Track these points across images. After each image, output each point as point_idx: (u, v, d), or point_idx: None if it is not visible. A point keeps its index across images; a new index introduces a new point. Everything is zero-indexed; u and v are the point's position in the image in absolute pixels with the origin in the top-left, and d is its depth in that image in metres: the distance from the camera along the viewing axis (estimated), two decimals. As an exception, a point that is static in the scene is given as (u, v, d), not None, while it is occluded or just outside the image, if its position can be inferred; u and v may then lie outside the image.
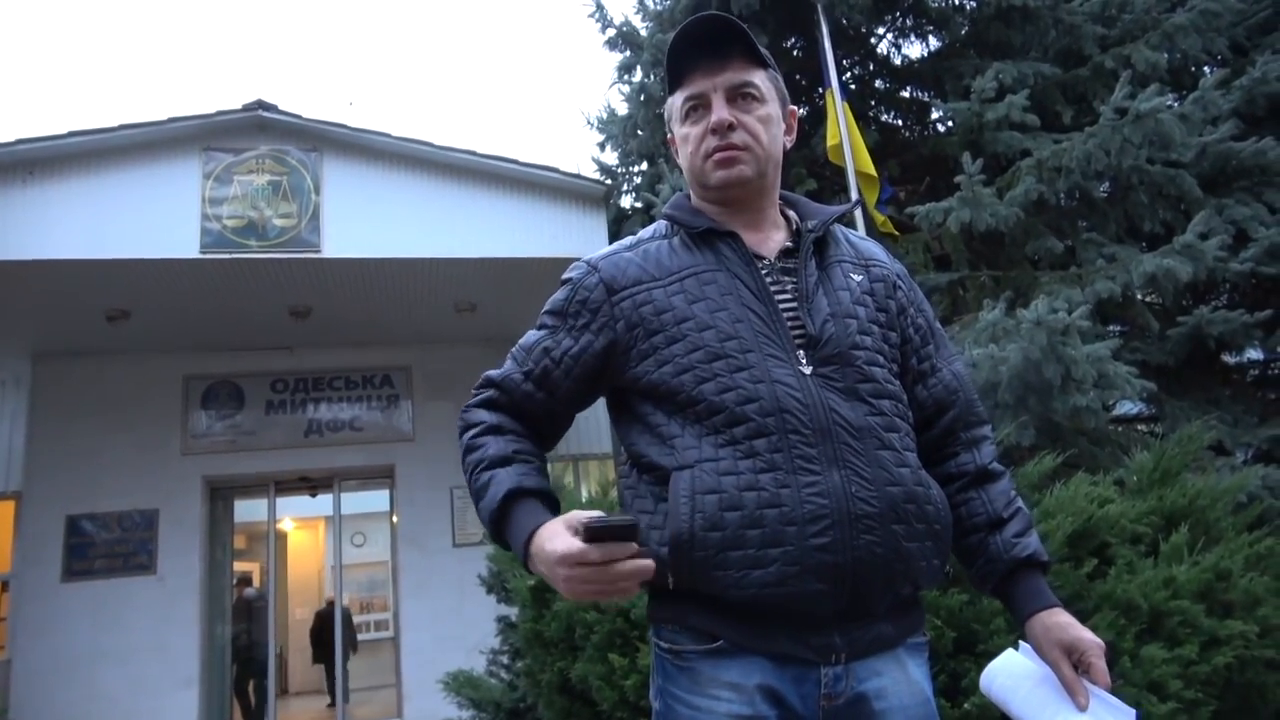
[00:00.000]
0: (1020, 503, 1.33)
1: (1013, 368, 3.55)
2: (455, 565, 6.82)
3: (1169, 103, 4.68)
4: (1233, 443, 4.31)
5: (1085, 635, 1.19)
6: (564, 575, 1.04)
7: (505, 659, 3.95)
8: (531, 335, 1.35)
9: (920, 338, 1.37)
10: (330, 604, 7.68)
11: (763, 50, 1.31)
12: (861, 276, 1.34)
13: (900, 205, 5.33)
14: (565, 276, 1.37)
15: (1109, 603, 2.47)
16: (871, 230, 4.83)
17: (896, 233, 5.00)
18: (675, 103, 1.35)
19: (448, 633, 6.41)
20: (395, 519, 7.57)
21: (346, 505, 11.69)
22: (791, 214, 1.39)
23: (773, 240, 1.33)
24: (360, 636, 12.87)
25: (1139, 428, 5.21)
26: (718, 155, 1.29)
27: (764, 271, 1.28)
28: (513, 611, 3.58)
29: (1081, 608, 2.50)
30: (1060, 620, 1.21)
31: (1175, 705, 2.30)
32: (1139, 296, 4.73)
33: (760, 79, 1.31)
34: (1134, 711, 1.15)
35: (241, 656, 8.67)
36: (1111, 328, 4.89)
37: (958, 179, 4.43)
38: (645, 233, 1.38)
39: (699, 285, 1.26)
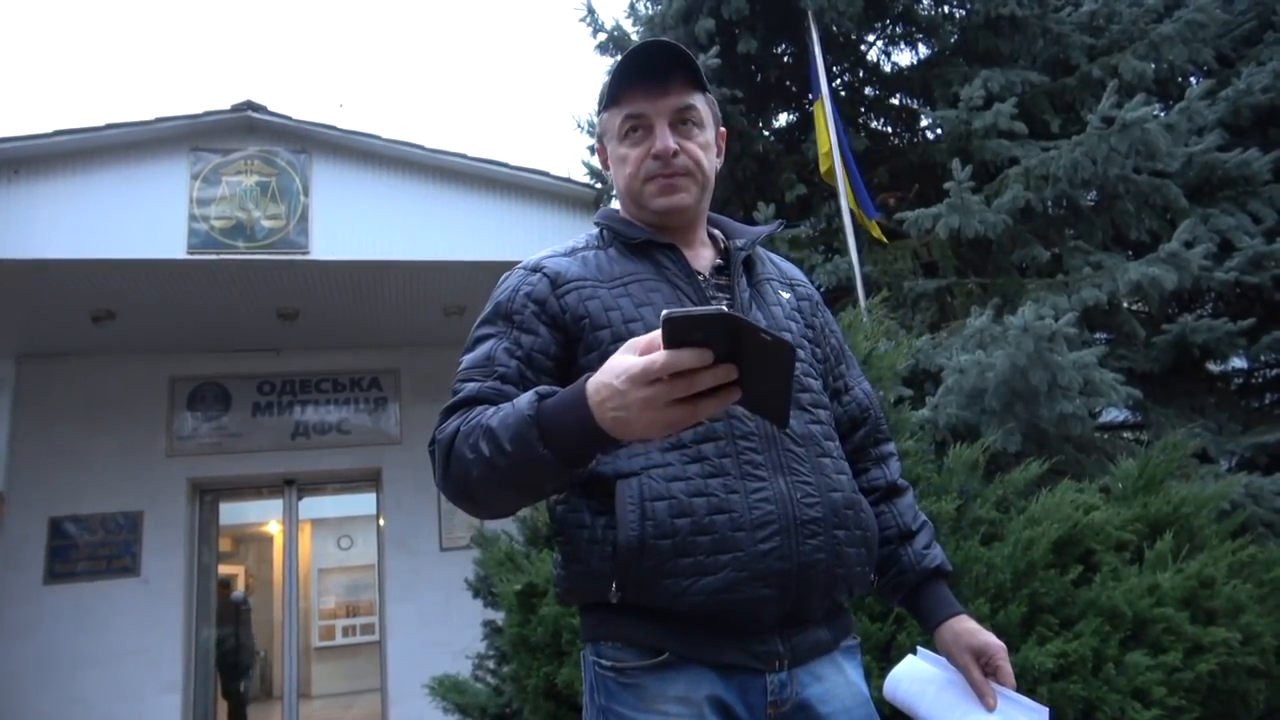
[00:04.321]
0: (924, 516, 1.39)
1: (1000, 374, 3.56)
2: (442, 569, 6.79)
3: (1155, 112, 4.71)
4: (1216, 450, 4.33)
5: (992, 640, 1.25)
6: (643, 397, 0.84)
7: (491, 663, 3.92)
8: (477, 352, 1.23)
9: (835, 357, 1.43)
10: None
11: (702, 73, 1.32)
12: (789, 294, 1.38)
13: (889, 211, 5.34)
14: (501, 284, 1.31)
15: (1094, 609, 2.48)
16: (860, 236, 4.84)
17: (885, 239, 5.01)
18: (613, 121, 1.33)
19: (434, 637, 6.38)
20: (382, 522, 7.53)
21: (334, 508, 11.74)
22: (717, 232, 1.41)
23: (703, 258, 1.35)
24: (346, 640, 12.89)
25: (1124, 435, 5.24)
26: (660, 181, 1.29)
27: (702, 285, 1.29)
28: (499, 616, 3.57)
29: (1066, 614, 2.51)
30: (968, 626, 1.27)
31: (1159, 712, 2.32)
32: (1125, 304, 4.76)
33: (700, 102, 1.32)
34: (1045, 710, 1.17)
35: (227, 660, 8.62)
36: (1098, 335, 4.91)
37: (946, 186, 4.45)
38: (578, 241, 1.37)
39: (644, 291, 1.25)
